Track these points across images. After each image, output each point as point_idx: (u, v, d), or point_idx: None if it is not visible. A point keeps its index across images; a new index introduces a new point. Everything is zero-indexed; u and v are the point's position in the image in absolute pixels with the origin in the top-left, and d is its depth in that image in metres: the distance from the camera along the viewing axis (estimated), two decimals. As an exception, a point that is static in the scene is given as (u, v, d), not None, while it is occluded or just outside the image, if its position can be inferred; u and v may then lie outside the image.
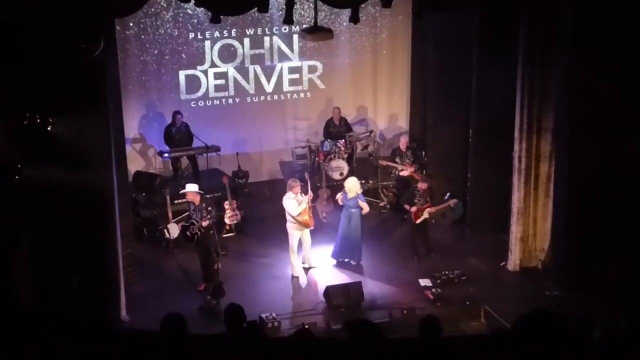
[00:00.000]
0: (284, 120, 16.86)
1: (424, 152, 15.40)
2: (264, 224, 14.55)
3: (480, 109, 13.54)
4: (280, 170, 16.73)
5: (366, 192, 15.33)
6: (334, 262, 13.27)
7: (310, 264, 13.12)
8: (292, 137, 16.87)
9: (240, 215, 13.76)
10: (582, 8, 11.17)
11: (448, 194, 13.77)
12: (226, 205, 13.35)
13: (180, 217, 13.47)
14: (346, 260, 13.22)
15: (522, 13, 12.04)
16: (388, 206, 15.42)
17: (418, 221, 13.26)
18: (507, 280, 12.85)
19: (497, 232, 13.60)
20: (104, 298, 10.86)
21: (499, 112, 13.10)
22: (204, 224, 12.09)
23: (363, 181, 15.66)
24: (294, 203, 12.60)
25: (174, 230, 13.39)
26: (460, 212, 14.38)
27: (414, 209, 13.24)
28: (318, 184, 14.93)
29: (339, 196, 13.16)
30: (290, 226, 12.76)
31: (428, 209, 13.26)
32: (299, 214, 12.59)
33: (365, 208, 12.98)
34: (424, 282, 12.47)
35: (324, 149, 15.65)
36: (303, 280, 12.84)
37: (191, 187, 12.40)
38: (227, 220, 13.17)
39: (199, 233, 12.14)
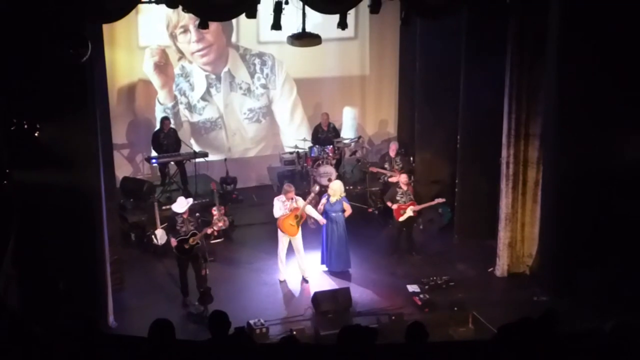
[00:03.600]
0: (272, 126, 16.88)
1: (412, 158, 15.42)
2: (252, 229, 14.53)
3: (468, 115, 13.56)
4: (268, 176, 16.72)
5: (354, 198, 15.37)
6: (324, 267, 13.19)
7: (305, 275, 12.98)
8: (280, 143, 16.87)
9: (228, 221, 13.74)
10: (570, 15, 11.22)
11: (436, 199, 13.79)
12: (214, 211, 13.31)
13: (165, 225, 13.40)
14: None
15: (510, 20, 12.09)
16: (376, 212, 15.42)
17: (401, 219, 13.39)
18: (495, 285, 12.86)
19: (485, 238, 13.60)
20: (91, 304, 10.81)
21: (487, 118, 13.14)
22: (209, 231, 12.24)
23: (351, 187, 15.71)
24: (280, 206, 12.61)
25: (161, 236, 13.34)
26: (448, 217, 14.43)
27: (395, 206, 13.34)
28: (306, 190, 14.93)
29: (322, 202, 12.96)
30: (279, 230, 12.77)
31: (411, 206, 13.33)
32: (280, 217, 12.59)
33: (348, 210, 12.90)
34: (412, 287, 12.44)
35: (312, 155, 15.66)
36: (291, 286, 12.81)
37: (183, 204, 12.10)
38: (214, 227, 12.91)
39: (199, 243, 12.07)
